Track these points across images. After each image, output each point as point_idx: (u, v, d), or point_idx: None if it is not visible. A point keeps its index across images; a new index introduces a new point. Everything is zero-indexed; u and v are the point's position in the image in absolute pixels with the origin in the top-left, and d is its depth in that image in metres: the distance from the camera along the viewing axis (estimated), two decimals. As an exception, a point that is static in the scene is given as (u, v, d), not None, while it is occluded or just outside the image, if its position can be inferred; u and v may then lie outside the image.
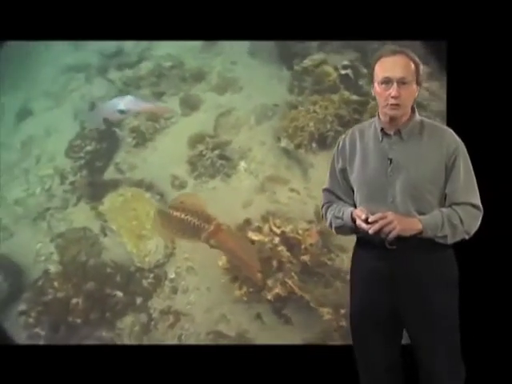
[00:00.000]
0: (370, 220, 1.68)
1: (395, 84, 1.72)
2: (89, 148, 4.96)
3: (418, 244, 1.72)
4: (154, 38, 4.57)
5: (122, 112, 3.00)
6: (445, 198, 1.78)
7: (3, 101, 6.01)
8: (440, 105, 3.67)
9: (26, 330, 4.16)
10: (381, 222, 1.67)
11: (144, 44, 5.78)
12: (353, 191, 1.88)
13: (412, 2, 2.93)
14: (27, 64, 6.14)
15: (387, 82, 1.73)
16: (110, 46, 5.79)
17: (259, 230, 3.67)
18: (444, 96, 3.09)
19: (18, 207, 5.31)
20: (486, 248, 2.53)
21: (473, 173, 1.80)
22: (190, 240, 3.12)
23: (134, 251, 4.26)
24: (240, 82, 5.23)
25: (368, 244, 1.78)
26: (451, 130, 1.83)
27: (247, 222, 3.85)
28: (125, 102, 3.01)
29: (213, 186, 4.59)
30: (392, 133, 1.80)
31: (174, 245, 4.36)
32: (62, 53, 5.97)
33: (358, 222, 1.73)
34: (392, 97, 1.72)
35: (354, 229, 1.81)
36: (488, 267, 2.74)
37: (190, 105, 5.11)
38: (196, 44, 5.65)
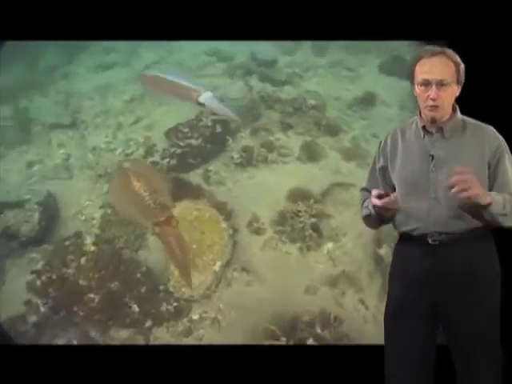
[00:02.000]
0: (452, 182, 1.65)
1: (434, 86, 1.74)
2: (193, 141, 4.48)
3: (459, 238, 1.74)
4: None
5: (199, 104, 2.79)
6: None
7: (142, 53, 5.75)
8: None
9: (28, 293, 3.69)
10: (458, 178, 1.64)
11: (299, 69, 5.36)
12: (392, 190, 1.86)
13: (412, 2, 2.94)
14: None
15: (426, 84, 1.75)
16: (265, 52, 5.43)
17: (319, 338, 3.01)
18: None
19: (92, 155, 4.94)
20: None
21: None
22: (141, 220, 3.00)
23: (176, 273, 3.68)
24: (371, 158, 4.65)
25: (410, 240, 1.80)
26: (492, 128, 1.83)
27: (310, 323, 3.15)
28: (205, 97, 2.77)
29: (286, 250, 3.96)
30: (434, 130, 1.81)
31: (216, 289, 3.77)
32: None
33: (372, 199, 1.74)
34: (431, 99, 1.75)
35: (376, 218, 1.83)
36: None
37: (311, 153, 4.57)
38: (348, 96, 5.19)
